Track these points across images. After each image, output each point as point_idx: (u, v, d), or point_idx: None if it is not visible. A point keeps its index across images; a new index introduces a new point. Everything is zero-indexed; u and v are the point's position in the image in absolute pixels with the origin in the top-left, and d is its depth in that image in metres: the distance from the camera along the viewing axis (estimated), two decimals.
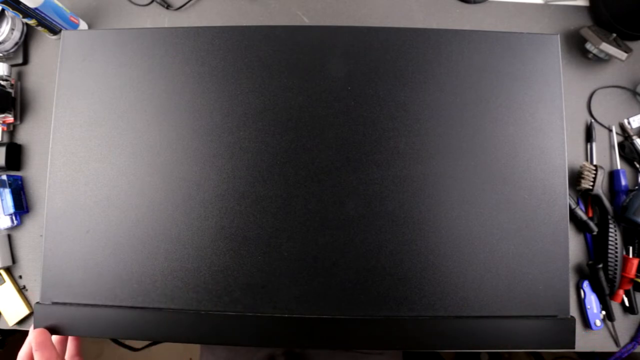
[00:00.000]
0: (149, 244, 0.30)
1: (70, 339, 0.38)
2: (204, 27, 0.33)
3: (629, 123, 0.52)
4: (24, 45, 0.54)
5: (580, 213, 0.46)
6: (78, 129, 0.32)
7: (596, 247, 0.47)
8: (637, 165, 0.50)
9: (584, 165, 0.48)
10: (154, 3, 0.57)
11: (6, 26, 0.51)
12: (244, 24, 0.55)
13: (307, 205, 0.30)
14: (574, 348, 0.29)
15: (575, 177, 0.48)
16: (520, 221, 0.30)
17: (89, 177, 0.31)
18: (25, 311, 0.49)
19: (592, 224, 0.46)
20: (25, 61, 0.54)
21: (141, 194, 0.31)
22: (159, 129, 0.32)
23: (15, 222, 0.50)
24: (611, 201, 0.49)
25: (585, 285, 0.45)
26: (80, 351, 0.37)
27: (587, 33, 0.52)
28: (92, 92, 0.32)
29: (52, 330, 0.30)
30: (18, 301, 0.49)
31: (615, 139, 0.52)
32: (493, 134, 0.31)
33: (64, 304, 0.30)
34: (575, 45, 0.55)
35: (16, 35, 0.52)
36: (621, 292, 0.45)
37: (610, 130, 0.52)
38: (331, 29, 0.33)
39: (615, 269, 0.45)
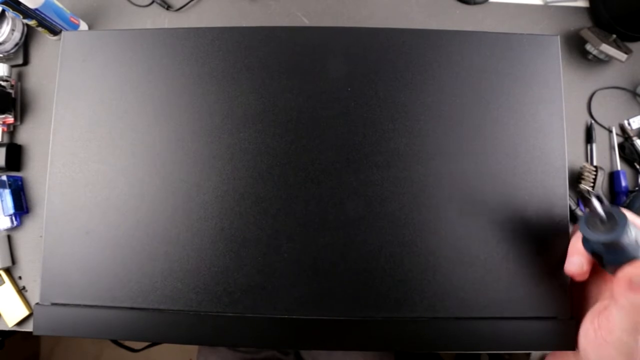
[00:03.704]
0: (148, 245, 0.30)
1: None
2: (204, 28, 0.33)
3: (629, 124, 0.52)
4: (24, 46, 0.54)
5: (581, 214, 0.46)
6: (78, 129, 0.32)
7: None
8: (637, 167, 0.50)
9: (584, 166, 0.48)
10: (154, 4, 0.57)
11: (6, 27, 0.51)
12: (244, 25, 0.55)
13: (307, 206, 0.30)
14: (574, 349, 0.29)
15: (576, 178, 0.48)
16: (520, 222, 0.30)
17: (88, 178, 0.31)
18: (24, 312, 0.49)
19: None
20: (26, 62, 0.54)
21: (141, 195, 0.31)
22: (159, 130, 0.32)
23: (15, 222, 0.50)
24: (611, 202, 0.49)
25: None
26: None
27: (587, 34, 0.52)
28: (92, 93, 0.32)
29: (52, 330, 0.30)
30: (17, 302, 0.49)
31: (616, 140, 0.52)
32: (493, 135, 0.31)
33: (64, 304, 0.30)
34: (575, 46, 0.55)
35: (16, 36, 0.53)
36: None
37: (610, 131, 0.52)
38: (331, 30, 0.33)
39: None
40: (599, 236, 0.25)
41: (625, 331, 0.25)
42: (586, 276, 0.28)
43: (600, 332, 0.27)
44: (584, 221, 0.26)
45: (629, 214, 0.26)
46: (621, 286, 0.25)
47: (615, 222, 0.25)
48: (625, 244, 0.25)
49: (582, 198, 0.25)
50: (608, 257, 0.26)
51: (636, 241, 0.25)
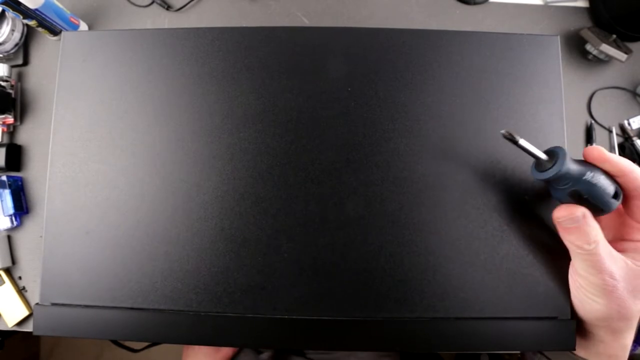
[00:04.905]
0: (148, 245, 0.30)
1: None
2: (204, 28, 0.33)
3: (629, 124, 0.53)
4: (24, 46, 0.54)
5: None
6: (78, 130, 0.32)
7: None
8: None
9: None
10: (154, 4, 0.57)
11: (6, 27, 0.51)
12: (244, 25, 0.55)
13: (307, 206, 0.30)
14: (574, 349, 0.29)
15: None
16: (520, 222, 0.30)
17: (88, 178, 0.31)
18: (24, 312, 0.49)
19: None
20: (26, 62, 0.54)
21: (141, 195, 0.31)
22: (159, 130, 0.32)
23: (15, 223, 0.50)
24: None
25: None
26: None
27: (587, 34, 0.52)
28: (92, 93, 0.32)
29: (52, 331, 0.30)
30: (17, 302, 0.49)
31: (616, 140, 0.52)
32: (493, 135, 0.31)
33: (64, 305, 0.30)
34: (575, 46, 0.55)
35: (16, 36, 0.53)
36: None
37: (610, 132, 0.52)
38: (331, 30, 0.33)
39: None
40: (539, 175, 0.26)
41: (586, 271, 0.27)
42: None
43: (575, 276, 0.28)
44: (533, 164, 0.27)
45: (597, 152, 0.27)
46: (559, 230, 0.27)
47: (555, 160, 0.26)
48: (566, 181, 0.25)
49: (512, 142, 0.26)
50: (558, 195, 0.27)
51: (581, 177, 0.25)
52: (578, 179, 0.25)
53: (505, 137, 0.26)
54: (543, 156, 0.26)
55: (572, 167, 0.25)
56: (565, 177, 0.25)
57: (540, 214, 0.30)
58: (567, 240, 0.27)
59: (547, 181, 0.26)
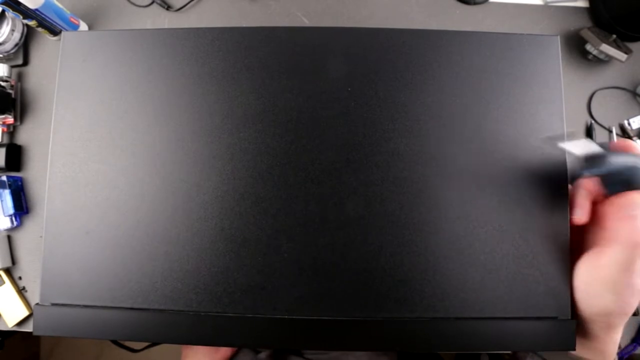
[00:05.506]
0: (148, 245, 0.30)
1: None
2: (204, 28, 0.33)
3: (629, 124, 0.53)
4: (24, 46, 0.54)
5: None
6: (78, 130, 0.32)
7: None
8: None
9: None
10: (154, 4, 0.57)
11: (6, 27, 0.51)
12: (244, 25, 0.55)
13: (307, 206, 0.30)
14: (574, 349, 0.29)
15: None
16: (520, 222, 0.30)
17: (88, 178, 0.31)
18: (24, 312, 0.49)
19: None
20: (26, 62, 0.54)
21: (141, 195, 0.31)
22: (159, 130, 0.32)
23: (15, 223, 0.50)
24: None
25: None
26: None
27: (587, 34, 0.52)
28: (92, 93, 0.32)
29: (52, 331, 0.30)
30: (17, 302, 0.49)
31: (616, 140, 0.52)
32: (493, 135, 0.31)
33: (64, 305, 0.30)
34: (575, 46, 0.55)
35: (16, 36, 0.53)
36: None
37: (610, 132, 0.52)
38: (331, 30, 0.33)
39: None
40: (592, 171, 0.27)
41: (615, 266, 0.26)
42: (583, 220, 0.29)
43: (592, 270, 0.28)
44: (582, 162, 0.28)
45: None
46: (616, 218, 0.27)
47: (606, 155, 0.27)
48: (622, 175, 0.26)
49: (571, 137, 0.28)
50: (613, 188, 0.27)
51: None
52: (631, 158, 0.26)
53: (549, 140, 0.27)
54: (597, 149, 0.27)
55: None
56: (623, 167, 0.26)
57: (541, 214, 0.30)
58: (618, 228, 0.26)
59: (601, 176, 0.27)
